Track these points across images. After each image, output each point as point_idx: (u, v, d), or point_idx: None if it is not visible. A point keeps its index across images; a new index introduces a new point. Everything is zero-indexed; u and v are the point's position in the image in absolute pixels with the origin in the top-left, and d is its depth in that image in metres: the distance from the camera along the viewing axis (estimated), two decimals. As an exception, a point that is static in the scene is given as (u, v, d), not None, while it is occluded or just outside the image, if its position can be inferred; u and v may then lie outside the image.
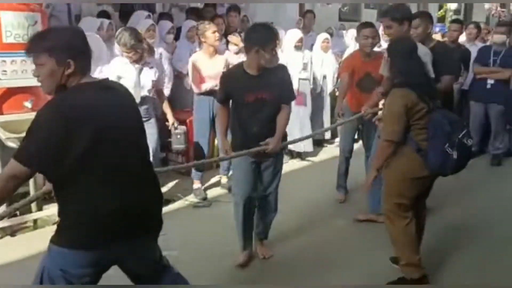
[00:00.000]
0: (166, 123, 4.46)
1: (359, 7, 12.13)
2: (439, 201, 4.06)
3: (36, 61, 1.85)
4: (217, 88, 3.73)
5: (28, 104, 3.61)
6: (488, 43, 6.47)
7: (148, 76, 4.04)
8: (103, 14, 5.57)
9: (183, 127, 4.54)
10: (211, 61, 4.50)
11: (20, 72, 3.56)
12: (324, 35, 6.40)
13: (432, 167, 2.80)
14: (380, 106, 3.75)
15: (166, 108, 4.36)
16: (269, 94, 3.02)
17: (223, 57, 4.70)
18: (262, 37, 2.95)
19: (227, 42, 5.68)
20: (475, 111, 5.90)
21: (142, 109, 3.72)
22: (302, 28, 7.00)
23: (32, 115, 1.94)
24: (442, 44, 4.49)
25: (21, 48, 3.51)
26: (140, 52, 3.93)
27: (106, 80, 2.09)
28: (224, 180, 4.92)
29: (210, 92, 4.43)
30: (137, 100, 3.79)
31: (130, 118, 1.98)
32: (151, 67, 4.08)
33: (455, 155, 2.72)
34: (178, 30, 5.83)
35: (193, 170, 4.64)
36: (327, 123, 6.31)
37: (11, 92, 3.61)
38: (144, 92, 4.01)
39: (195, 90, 4.58)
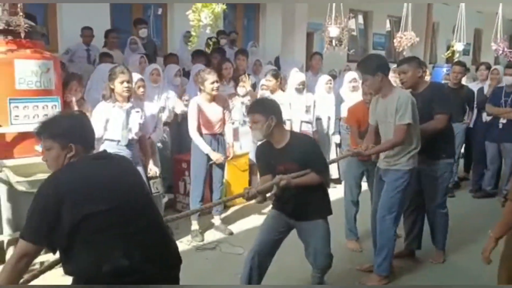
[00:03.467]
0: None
1: (367, 49, 12.38)
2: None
3: (44, 145, 2.02)
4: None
5: (39, 148, 3.66)
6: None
7: (135, 119, 3.99)
8: (105, 56, 5.92)
9: (158, 179, 4.37)
10: (209, 108, 4.50)
11: (31, 117, 3.66)
12: (326, 77, 6.42)
13: None
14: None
15: (147, 154, 4.24)
16: (294, 165, 3.02)
17: (219, 106, 4.56)
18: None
19: (236, 84, 5.79)
20: (489, 151, 5.96)
21: (127, 154, 3.74)
22: (310, 70, 7.13)
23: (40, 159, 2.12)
24: (437, 84, 4.66)
25: (33, 94, 3.70)
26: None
27: (103, 152, 2.24)
28: (217, 221, 4.76)
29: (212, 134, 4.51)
30: (124, 143, 3.86)
31: (127, 184, 2.04)
32: (137, 111, 4.01)
33: None
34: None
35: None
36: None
37: (23, 136, 3.69)
38: (132, 135, 3.96)
39: (193, 133, 4.49)
